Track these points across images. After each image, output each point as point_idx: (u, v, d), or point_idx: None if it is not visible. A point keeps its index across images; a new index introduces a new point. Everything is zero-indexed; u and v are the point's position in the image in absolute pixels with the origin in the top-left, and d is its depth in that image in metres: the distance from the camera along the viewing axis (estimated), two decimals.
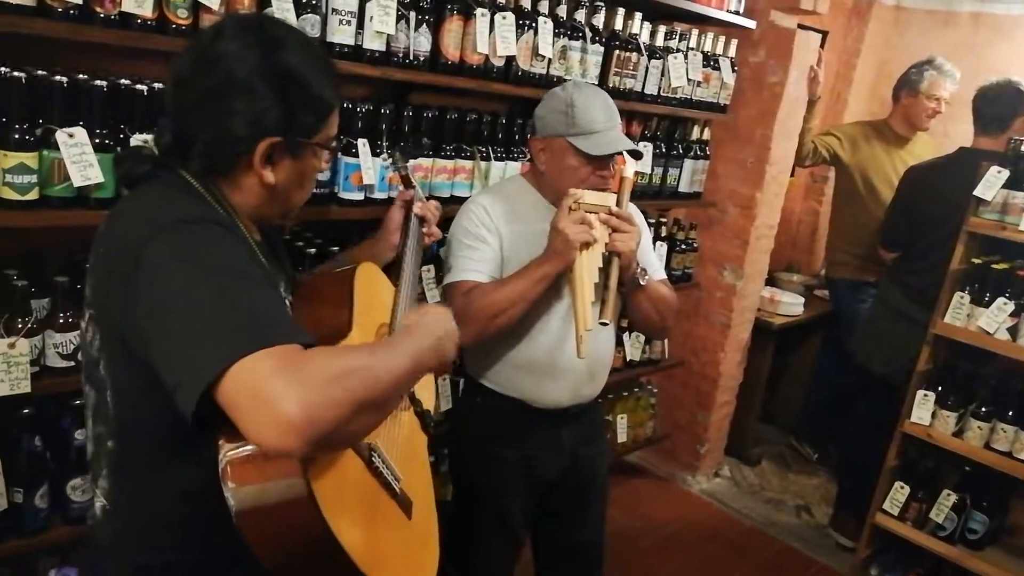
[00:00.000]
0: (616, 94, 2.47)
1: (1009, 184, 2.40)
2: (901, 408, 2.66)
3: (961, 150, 2.86)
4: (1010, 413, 2.42)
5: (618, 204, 1.72)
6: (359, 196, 1.98)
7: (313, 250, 1.96)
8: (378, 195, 2.02)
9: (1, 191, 1.45)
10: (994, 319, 2.42)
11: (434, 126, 2.11)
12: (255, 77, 1.03)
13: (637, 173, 1.91)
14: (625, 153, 1.80)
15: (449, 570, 1.25)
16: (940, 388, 2.57)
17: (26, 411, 1.58)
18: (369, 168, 1.95)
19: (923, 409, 2.58)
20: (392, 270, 1.48)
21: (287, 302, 1.19)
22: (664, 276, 1.99)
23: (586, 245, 1.65)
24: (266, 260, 1.15)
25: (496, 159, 2.25)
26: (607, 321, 1.62)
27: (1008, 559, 2.49)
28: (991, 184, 2.44)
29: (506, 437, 1.86)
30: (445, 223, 1.80)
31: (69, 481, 1.66)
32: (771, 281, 3.92)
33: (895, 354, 2.95)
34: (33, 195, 1.48)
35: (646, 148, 2.71)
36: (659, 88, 2.67)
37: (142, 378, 0.97)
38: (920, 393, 2.59)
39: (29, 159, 1.45)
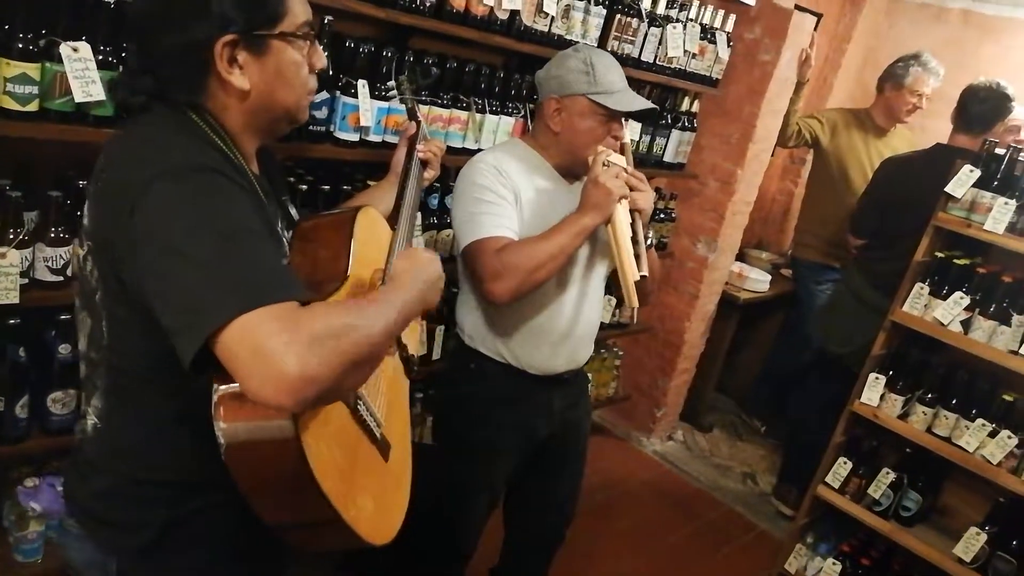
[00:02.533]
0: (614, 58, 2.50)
1: (979, 183, 2.49)
2: (852, 388, 2.79)
3: (937, 146, 2.94)
4: (953, 401, 2.54)
5: (627, 165, 1.77)
6: (354, 137, 1.99)
7: (304, 186, 1.97)
8: (373, 137, 2.03)
9: (1, 100, 1.44)
10: (949, 311, 2.53)
11: (433, 65, 2.11)
12: None
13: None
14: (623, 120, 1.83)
15: (414, 524, 1.28)
16: (891, 372, 2.69)
17: (12, 322, 1.59)
18: (367, 110, 1.96)
19: (873, 391, 2.70)
20: (391, 212, 1.49)
21: (285, 240, 1.20)
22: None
23: (620, 199, 1.68)
24: (264, 195, 1.15)
25: (490, 112, 2.27)
26: (645, 273, 1.64)
27: (935, 536, 2.65)
28: (962, 182, 2.52)
29: (500, 402, 1.89)
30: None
31: (50, 393, 1.68)
32: (740, 256, 4.01)
33: (852, 336, 3.07)
34: (33, 107, 1.47)
35: None
36: (655, 56, 2.69)
37: (138, 313, 0.98)
38: (872, 375, 2.70)
39: (32, 70, 1.44)
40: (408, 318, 1.05)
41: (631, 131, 2.61)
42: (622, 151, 1.79)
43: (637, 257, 1.66)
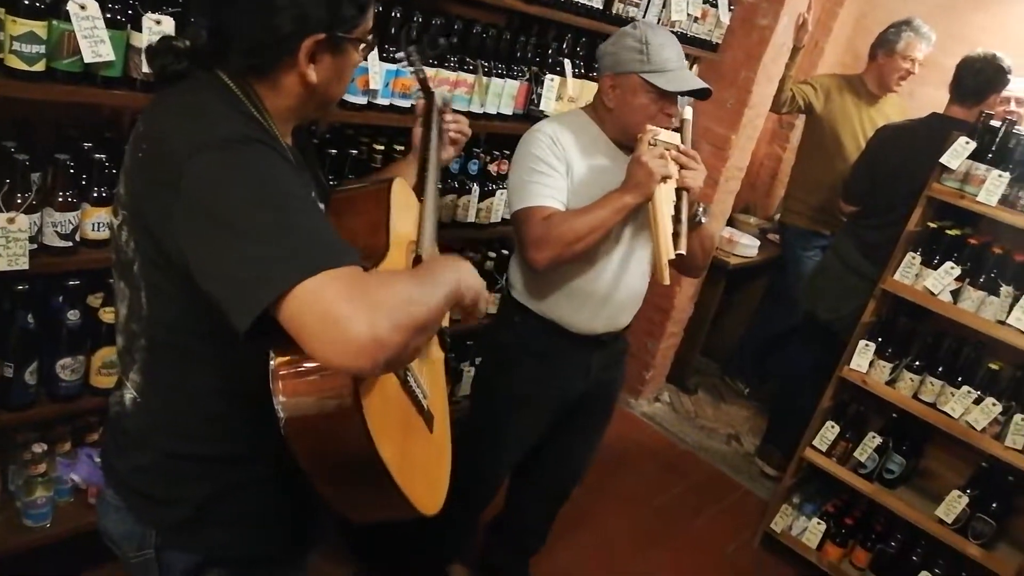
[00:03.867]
0: (617, 22, 2.47)
1: (974, 155, 2.52)
2: (838, 354, 2.85)
3: (933, 116, 2.96)
4: (940, 369, 2.61)
5: (683, 143, 1.77)
6: (362, 100, 1.95)
7: None
8: (380, 100, 1.99)
9: (7, 59, 1.39)
10: (940, 281, 2.58)
11: (441, 35, 2.07)
12: None
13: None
14: (682, 97, 1.83)
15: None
16: (880, 339, 2.75)
17: (20, 288, 1.56)
18: (376, 73, 1.92)
19: (862, 357, 2.76)
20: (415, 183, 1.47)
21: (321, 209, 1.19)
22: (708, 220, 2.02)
23: (664, 178, 1.70)
24: (299, 166, 1.14)
25: (496, 75, 2.24)
26: (683, 252, 1.67)
27: (916, 498, 2.75)
28: (957, 153, 2.55)
29: (539, 356, 1.94)
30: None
31: (59, 360, 1.66)
32: (729, 221, 4.03)
33: (841, 303, 3.12)
34: (40, 67, 1.42)
35: None
36: (659, 19, 2.66)
37: (180, 284, 0.97)
38: (862, 343, 2.76)
39: (39, 28, 1.39)
40: (453, 297, 1.04)
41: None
42: (681, 129, 1.79)
43: (677, 235, 1.69)
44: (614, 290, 1.89)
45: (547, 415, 2.02)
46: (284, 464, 0.99)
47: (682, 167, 1.73)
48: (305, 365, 0.91)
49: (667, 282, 1.70)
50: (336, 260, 0.87)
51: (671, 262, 1.69)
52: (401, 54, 1.81)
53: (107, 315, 1.70)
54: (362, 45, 1.12)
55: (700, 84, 1.77)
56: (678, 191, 1.73)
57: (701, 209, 1.83)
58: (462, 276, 1.10)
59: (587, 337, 1.94)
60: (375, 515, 1.07)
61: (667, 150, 1.72)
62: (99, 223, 1.62)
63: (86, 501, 1.90)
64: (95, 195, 1.60)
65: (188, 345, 1.06)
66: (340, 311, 0.83)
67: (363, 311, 0.83)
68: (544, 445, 2.11)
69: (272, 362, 0.93)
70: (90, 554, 1.82)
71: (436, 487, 1.18)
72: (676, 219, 1.71)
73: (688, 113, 1.80)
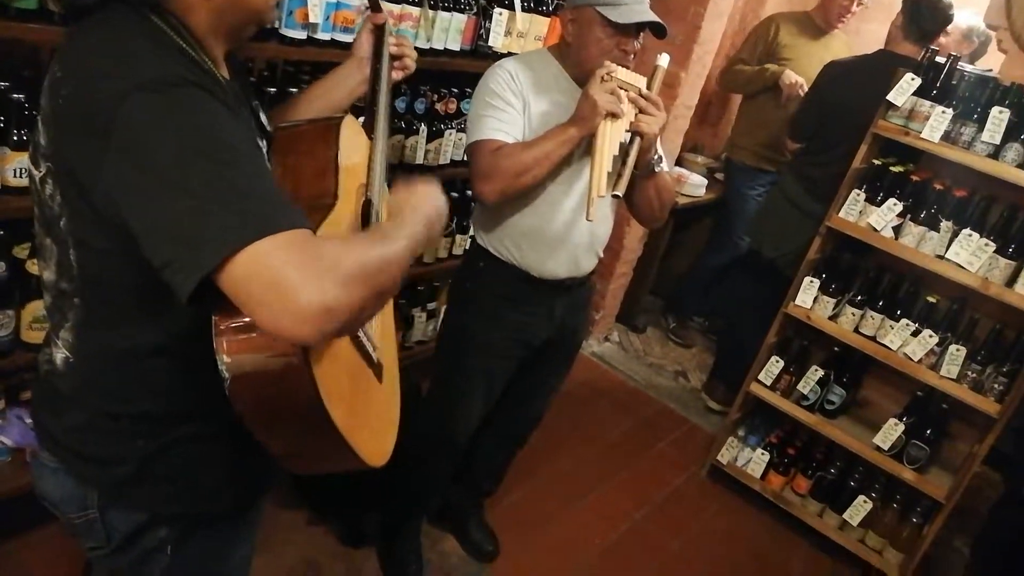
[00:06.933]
0: None
1: (919, 92, 2.54)
2: (782, 290, 2.90)
3: (880, 52, 2.97)
4: (880, 303, 2.69)
5: (648, 88, 1.74)
6: (302, 35, 1.85)
7: None
8: (321, 35, 1.90)
9: None
10: (883, 218, 2.63)
11: None
12: None
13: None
14: (662, 53, 1.80)
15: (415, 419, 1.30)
16: (824, 275, 2.80)
17: None
18: (316, 5, 1.82)
19: (807, 294, 2.82)
20: (364, 118, 1.39)
21: (264, 152, 1.11)
22: (669, 169, 2.02)
23: (613, 116, 1.68)
24: (238, 104, 1.05)
25: (443, 9, 2.15)
26: (618, 193, 1.68)
27: (854, 427, 2.85)
28: (903, 90, 2.57)
29: (505, 302, 1.93)
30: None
31: None
32: (677, 161, 4.02)
33: (785, 241, 3.17)
34: None
35: None
36: None
37: (112, 240, 0.90)
38: (807, 279, 2.81)
39: None
40: (416, 252, 1.00)
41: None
42: (652, 75, 1.76)
43: (619, 177, 1.68)
44: (571, 231, 1.87)
45: (513, 361, 2.02)
46: (228, 419, 0.95)
47: (641, 110, 1.71)
48: (250, 323, 0.87)
49: (591, 219, 1.70)
50: (285, 222, 0.82)
51: (630, 209, 1.67)
52: None
53: (35, 267, 1.60)
54: None
55: (651, 17, 1.74)
56: (632, 134, 1.71)
57: (657, 157, 1.81)
58: (428, 215, 1.06)
59: (550, 282, 1.93)
60: (321, 468, 1.05)
61: (625, 90, 1.70)
62: (20, 169, 1.51)
63: (23, 460, 1.83)
64: (15, 139, 1.49)
65: (123, 303, 0.99)
66: (289, 278, 0.78)
67: (313, 279, 0.79)
68: (506, 390, 2.11)
69: (216, 320, 0.88)
70: (28, 515, 1.76)
71: (384, 438, 1.16)
72: (623, 162, 1.70)
73: (663, 60, 1.78)
